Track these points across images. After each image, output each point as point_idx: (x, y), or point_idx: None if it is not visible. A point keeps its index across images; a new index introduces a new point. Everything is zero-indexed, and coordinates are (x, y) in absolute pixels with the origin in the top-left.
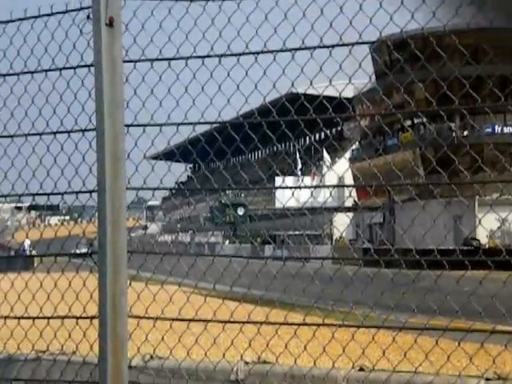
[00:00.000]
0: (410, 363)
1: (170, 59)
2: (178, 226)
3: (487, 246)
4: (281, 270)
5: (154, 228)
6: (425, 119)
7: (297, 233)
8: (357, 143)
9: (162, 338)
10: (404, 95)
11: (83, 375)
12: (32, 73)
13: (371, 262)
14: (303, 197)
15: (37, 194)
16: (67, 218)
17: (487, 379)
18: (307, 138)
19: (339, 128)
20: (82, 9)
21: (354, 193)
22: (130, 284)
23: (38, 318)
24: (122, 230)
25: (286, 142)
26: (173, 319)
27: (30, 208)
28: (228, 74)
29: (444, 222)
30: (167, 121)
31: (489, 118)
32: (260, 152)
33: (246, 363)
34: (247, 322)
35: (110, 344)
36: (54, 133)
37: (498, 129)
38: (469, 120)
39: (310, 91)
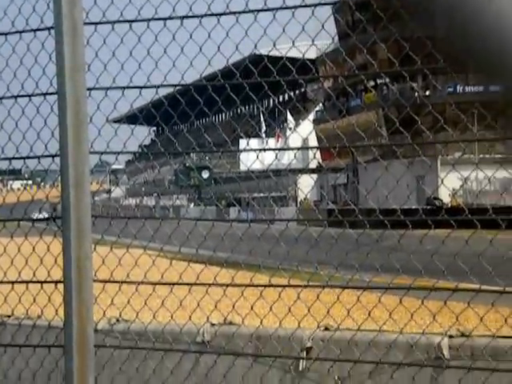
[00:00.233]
0: (374, 322)
1: (131, 21)
2: (143, 189)
3: (450, 205)
4: (246, 232)
5: (118, 192)
6: (387, 80)
7: (261, 195)
8: (320, 105)
9: (128, 302)
10: (367, 56)
11: (49, 339)
12: None
13: (336, 222)
14: (268, 159)
15: None
16: (30, 182)
17: (450, 336)
18: (271, 100)
19: (303, 90)
20: None
21: (318, 154)
22: (95, 248)
23: (2, 282)
24: (86, 194)
25: (249, 104)
26: (138, 283)
27: None
28: (190, 36)
29: (407, 182)
30: (130, 84)
31: (451, 77)
32: (224, 114)
33: (212, 325)
34: (213, 285)
35: (75, 308)
36: (15, 96)
37: (459, 88)
38: (431, 80)
39: (273, 53)
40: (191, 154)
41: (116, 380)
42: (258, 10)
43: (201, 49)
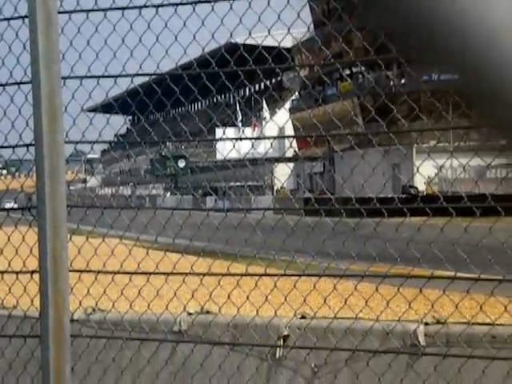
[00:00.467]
0: (350, 310)
1: (106, 10)
2: (118, 179)
3: (425, 193)
4: (223, 221)
5: (93, 181)
6: (363, 68)
7: (238, 184)
8: (296, 93)
9: (104, 291)
10: (342, 44)
11: (24, 329)
12: None
13: (312, 211)
14: (244, 148)
15: None
16: (4, 172)
17: (426, 323)
18: (247, 89)
19: (279, 78)
20: None
21: (294, 143)
22: (71, 238)
23: None
24: (61, 183)
25: (225, 93)
26: (115, 272)
27: None
28: (166, 25)
29: (383, 171)
30: (105, 73)
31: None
32: (200, 103)
33: (189, 314)
34: (190, 274)
35: (51, 298)
36: None
37: (434, 76)
38: (406, 68)
39: (249, 41)
40: (167, 143)
41: (92, 369)
42: None
43: (176, 37)
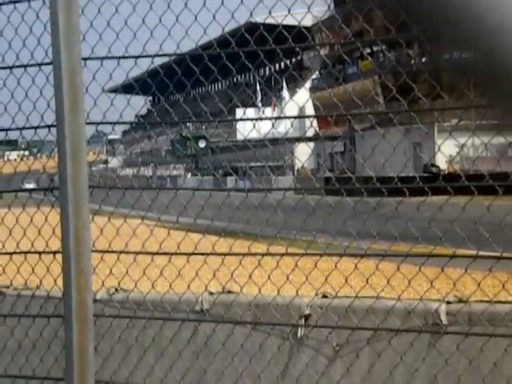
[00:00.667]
0: (372, 289)
1: None
2: (139, 159)
3: (447, 171)
4: (243, 201)
5: (114, 162)
6: (384, 47)
7: (258, 164)
8: (317, 73)
9: (127, 272)
10: (363, 23)
11: (48, 309)
12: None
13: (333, 191)
14: (264, 128)
15: None
16: (26, 153)
17: (448, 302)
18: (267, 69)
19: (299, 58)
20: None
21: (314, 123)
22: (93, 218)
23: (0, 253)
24: (83, 164)
25: (245, 73)
26: (137, 253)
27: None
28: (185, 5)
29: (404, 150)
30: (125, 54)
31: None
32: (220, 84)
33: (211, 294)
34: (211, 254)
35: (73, 279)
36: (11, 67)
37: (456, 54)
38: (427, 46)
39: (269, 21)
40: (188, 124)
41: (115, 349)
42: None
43: (196, 17)
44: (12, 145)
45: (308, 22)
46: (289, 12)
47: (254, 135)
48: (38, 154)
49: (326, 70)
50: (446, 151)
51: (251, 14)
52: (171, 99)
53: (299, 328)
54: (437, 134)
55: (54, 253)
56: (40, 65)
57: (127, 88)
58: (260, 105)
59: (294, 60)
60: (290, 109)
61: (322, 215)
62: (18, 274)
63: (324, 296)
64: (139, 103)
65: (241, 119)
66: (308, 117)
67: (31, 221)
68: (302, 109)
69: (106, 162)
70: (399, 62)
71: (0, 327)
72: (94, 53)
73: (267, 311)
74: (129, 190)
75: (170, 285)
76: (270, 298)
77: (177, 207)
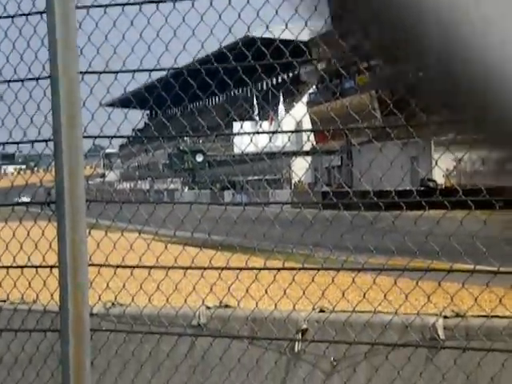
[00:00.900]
0: (369, 303)
1: (124, 5)
2: (137, 173)
3: (444, 186)
4: (241, 215)
5: (112, 176)
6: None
7: (256, 178)
8: (314, 87)
9: (124, 286)
10: (359, 40)
11: (44, 323)
12: None
13: (330, 205)
14: (261, 142)
15: None
16: (23, 167)
17: (445, 317)
18: (264, 83)
19: (296, 72)
20: None
21: (312, 137)
22: (90, 232)
23: None
24: (80, 178)
25: (243, 87)
26: (133, 266)
27: None
28: (183, 19)
29: (401, 164)
30: (122, 68)
31: None
32: (217, 98)
33: (208, 308)
34: (208, 268)
35: (70, 293)
36: (8, 81)
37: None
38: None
39: (267, 35)
40: (185, 138)
41: (112, 363)
42: None
43: (193, 32)
44: (9, 159)
45: (305, 36)
46: (286, 26)
47: (251, 149)
48: (35, 168)
49: (323, 85)
50: (443, 165)
51: (249, 29)
52: (168, 113)
53: (296, 342)
54: (434, 148)
55: (51, 267)
56: (37, 79)
57: (125, 102)
58: (257, 119)
59: (291, 74)
60: (288, 123)
61: (319, 229)
62: (14, 288)
63: (321, 310)
64: (136, 117)
65: (238, 133)
66: (305, 131)
67: (28, 235)
68: (299, 123)
69: (103, 175)
70: (397, 77)
71: None
72: (91, 67)
73: (264, 325)
74: (126, 204)
75: (167, 299)
76: (267, 312)
77: (174, 221)
